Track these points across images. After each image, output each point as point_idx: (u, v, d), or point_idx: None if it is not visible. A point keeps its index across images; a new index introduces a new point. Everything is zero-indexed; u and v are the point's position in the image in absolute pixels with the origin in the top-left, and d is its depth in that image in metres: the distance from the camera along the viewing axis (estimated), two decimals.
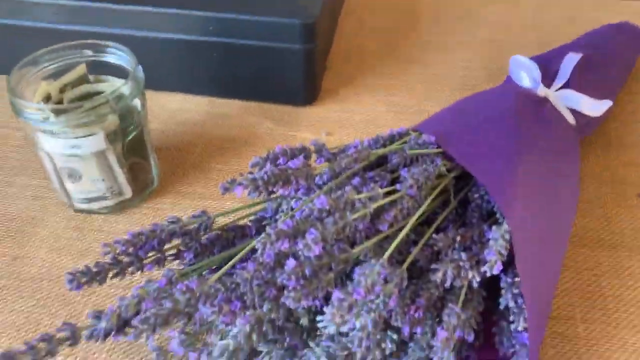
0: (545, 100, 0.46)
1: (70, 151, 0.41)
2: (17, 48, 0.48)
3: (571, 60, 0.49)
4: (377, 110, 0.58)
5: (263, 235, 0.28)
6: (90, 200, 0.45)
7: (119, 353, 0.37)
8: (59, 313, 0.40)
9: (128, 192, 0.46)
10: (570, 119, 0.46)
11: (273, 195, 0.37)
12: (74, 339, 0.30)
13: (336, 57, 0.65)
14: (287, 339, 0.34)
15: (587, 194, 0.49)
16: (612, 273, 0.43)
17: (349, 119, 0.57)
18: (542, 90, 0.46)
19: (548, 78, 0.49)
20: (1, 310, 0.40)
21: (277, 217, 0.37)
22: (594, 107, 0.47)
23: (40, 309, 0.40)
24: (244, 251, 0.31)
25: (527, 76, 0.48)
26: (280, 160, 0.35)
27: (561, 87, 0.48)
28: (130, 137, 0.44)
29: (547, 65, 0.50)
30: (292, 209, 0.36)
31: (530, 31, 0.68)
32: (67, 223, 0.46)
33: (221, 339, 0.31)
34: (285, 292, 0.28)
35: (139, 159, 0.47)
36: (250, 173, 0.33)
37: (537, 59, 0.50)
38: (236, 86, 0.58)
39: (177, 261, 0.36)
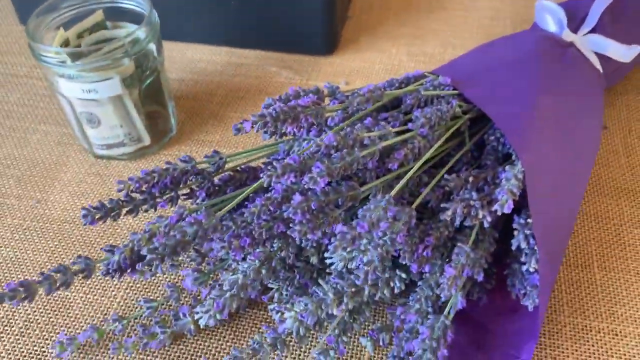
0: (570, 45, 0.44)
1: (87, 95, 0.41)
2: None
3: (600, 4, 0.47)
4: (399, 60, 0.57)
5: (269, 168, 0.28)
6: (109, 146, 0.46)
7: (135, 291, 0.38)
8: (79, 253, 0.41)
9: (146, 139, 0.47)
10: (597, 64, 0.44)
11: (286, 138, 0.37)
12: (88, 271, 0.31)
13: (358, 6, 0.64)
14: (298, 277, 0.34)
15: (613, 143, 0.47)
16: (633, 223, 0.41)
17: (369, 68, 0.56)
18: (567, 35, 0.44)
19: (575, 23, 0.47)
20: (25, 249, 0.41)
21: None
22: (623, 52, 0.45)
23: (62, 249, 0.41)
24: (254, 186, 0.31)
25: (552, 20, 0.46)
26: (292, 102, 0.35)
27: (589, 32, 0.46)
28: (147, 82, 0.44)
29: (575, 11, 0.48)
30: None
31: None
32: (89, 169, 0.47)
33: (232, 275, 0.31)
34: (292, 225, 0.28)
35: (158, 107, 0.48)
36: None
37: (565, 5, 0.48)
38: (255, 35, 0.57)
39: (190, 200, 0.36)
